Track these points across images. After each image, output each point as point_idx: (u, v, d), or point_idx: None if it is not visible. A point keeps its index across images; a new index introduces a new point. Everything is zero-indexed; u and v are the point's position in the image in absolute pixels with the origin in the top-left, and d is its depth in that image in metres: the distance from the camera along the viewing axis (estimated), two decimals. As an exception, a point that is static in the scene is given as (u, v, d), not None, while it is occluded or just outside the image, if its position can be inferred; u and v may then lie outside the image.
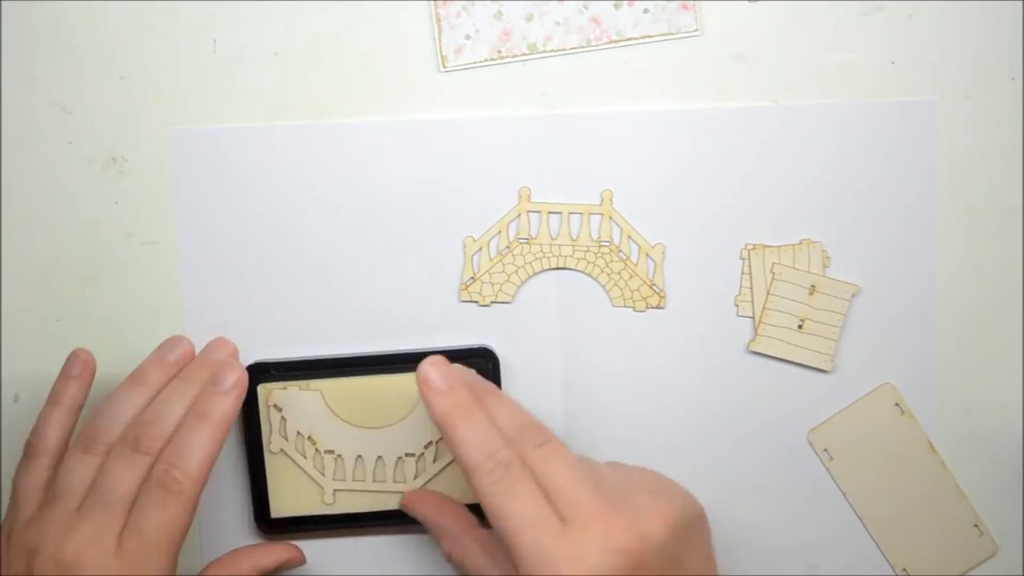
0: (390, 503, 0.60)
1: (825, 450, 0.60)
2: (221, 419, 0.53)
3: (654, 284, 0.60)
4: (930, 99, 0.59)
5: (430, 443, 0.59)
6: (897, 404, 0.60)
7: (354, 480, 0.59)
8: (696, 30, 0.59)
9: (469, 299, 0.60)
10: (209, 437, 0.53)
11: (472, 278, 0.60)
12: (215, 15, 0.59)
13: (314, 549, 0.60)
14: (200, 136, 0.59)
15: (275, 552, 0.59)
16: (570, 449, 0.52)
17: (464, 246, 0.60)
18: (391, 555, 0.61)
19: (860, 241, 0.60)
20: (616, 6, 0.59)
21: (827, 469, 0.61)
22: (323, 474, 0.59)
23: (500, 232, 0.60)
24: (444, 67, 0.59)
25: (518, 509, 0.49)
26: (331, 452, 0.59)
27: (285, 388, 0.59)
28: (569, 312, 0.60)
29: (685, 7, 0.59)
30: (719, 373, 0.60)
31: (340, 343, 0.60)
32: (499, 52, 0.59)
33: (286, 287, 0.60)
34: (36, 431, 0.55)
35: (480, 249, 0.60)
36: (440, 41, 0.59)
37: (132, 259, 0.60)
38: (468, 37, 0.59)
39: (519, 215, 0.60)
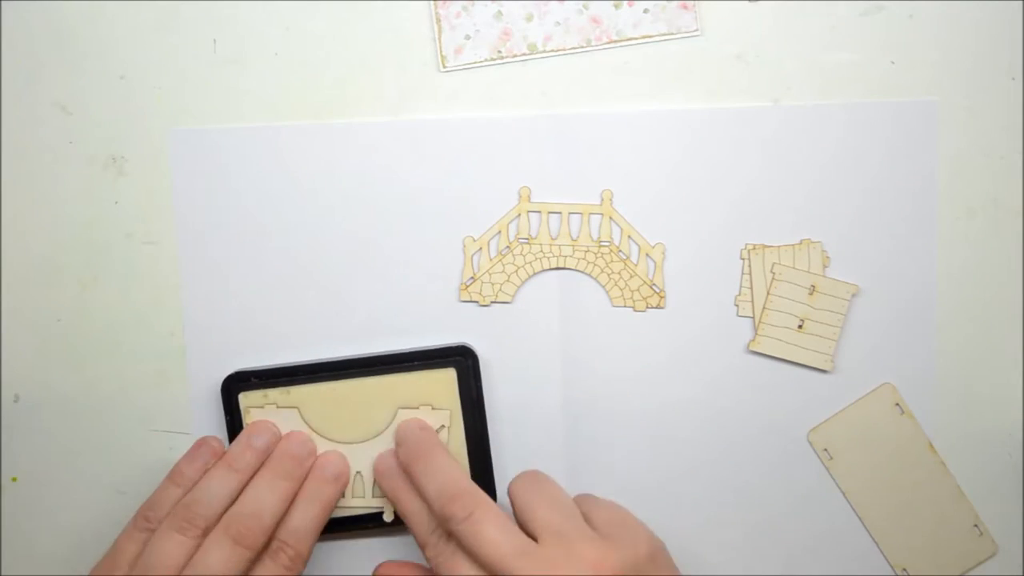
0: (374, 507, 0.59)
1: (825, 450, 0.61)
2: (328, 505, 0.57)
3: (654, 284, 0.60)
4: (930, 99, 0.59)
5: None
6: (897, 404, 0.60)
7: None
8: (696, 30, 0.59)
9: (469, 299, 0.60)
10: (318, 523, 0.57)
11: (472, 278, 0.60)
12: (215, 15, 0.59)
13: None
14: (200, 136, 0.59)
15: None
16: (497, 512, 0.53)
17: (464, 246, 0.60)
18: (378, 557, 0.61)
19: (860, 241, 0.60)
20: (616, 6, 0.59)
21: (827, 469, 0.61)
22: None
23: (500, 232, 0.60)
24: (444, 67, 0.59)
25: None
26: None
27: (263, 407, 0.59)
28: (569, 312, 0.60)
29: (685, 7, 0.59)
30: (719, 373, 0.60)
31: (340, 343, 0.60)
32: (499, 52, 0.59)
33: (285, 287, 0.60)
34: (152, 503, 0.57)
35: (480, 249, 0.60)
36: (440, 41, 0.59)
37: (132, 259, 0.60)
38: (468, 37, 0.59)
39: (519, 215, 0.60)
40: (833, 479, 0.61)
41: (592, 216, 0.60)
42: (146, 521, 0.56)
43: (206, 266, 0.60)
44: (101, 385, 0.60)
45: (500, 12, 0.59)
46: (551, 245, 0.60)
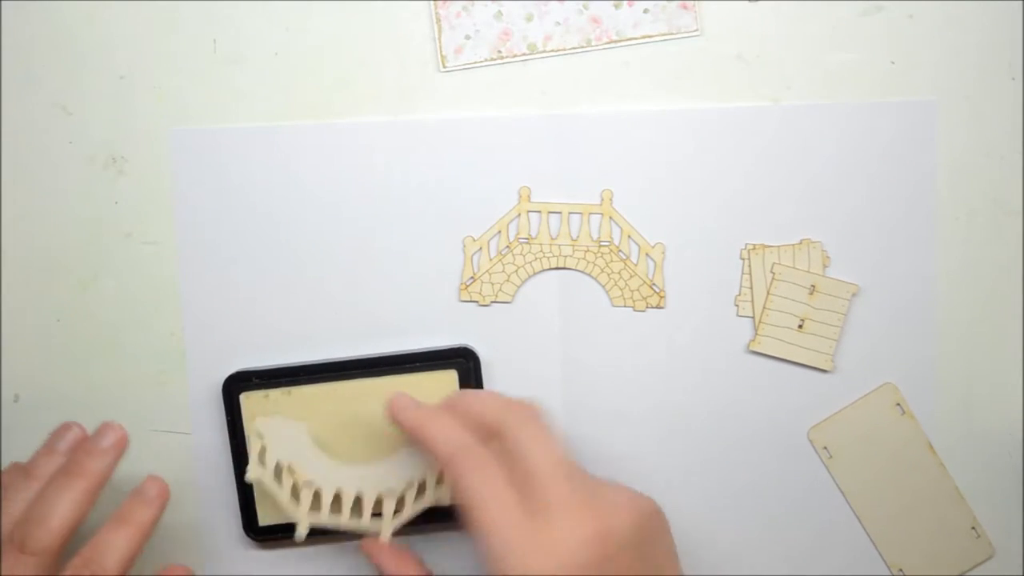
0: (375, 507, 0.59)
1: (825, 448, 0.61)
2: (141, 524, 0.54)
3: (654, 284, 0.60)
4: (930, 99, 0.59)
5: (412, 484, 0.57)
6: (898, 404, 0.60)
7: (330, 515, 0.57)
8: (696, 30, 0.59)
9: (469, 299, 0.60)
10: (128, 542, 0.53)
11: (472, 278, 0.60)
12: (215, 15, 0.59)
13: (305, 551, 0.61)
14: (200, 136, 0.59)
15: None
16: (554, 435, 0.52)
17: (464, 246, 0.60)
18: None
19: (860, 241, 0.60)
20: (616, 6, 0.59)
21: (826, 467, 0.61)
22: (299, 506, 0.57)
23: (500, 232, 0.60)
24: (444, 67, 0.59)
25: (488, 500, 0.50)
26: (309, 484, 0.57)
27: (269, 418, 0.58)
28: (569, 312, 0.60)
29: (685, 7, 0.59)
30: (719, 373, 0.60)
31: (340, 343, 0.60)
32: (499, 52, 0.59)
33: (285, 287, 0.60)
34: None
35: (480, 249, 0.60)
36: (440, 41, 0.59)
37: (132, 259, 0.60)
38: (468, 37, 0.59)
39: (519, 215, 0.60)
40: (832, 478, 0.61)
41: (592, 216, 0.60)
42: None
43: (206, 266, 0.60)
44: (101, 385, 0.60)
45: (500, 12, 0.59)
46: (551, 245, 0.60)
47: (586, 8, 0.59)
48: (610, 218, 0.60)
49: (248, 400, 0.59)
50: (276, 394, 0.59)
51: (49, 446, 0.57)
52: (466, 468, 0.51)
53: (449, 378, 0.59)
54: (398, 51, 0.59)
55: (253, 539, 0.60)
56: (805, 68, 0.59)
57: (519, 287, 0.60)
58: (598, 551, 0.49)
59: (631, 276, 0.60)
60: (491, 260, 0.60)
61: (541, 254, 0.60)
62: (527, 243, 0.60)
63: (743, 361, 0.60)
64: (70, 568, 0.52)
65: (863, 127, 0.59)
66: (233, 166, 0.59)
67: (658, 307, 0.60)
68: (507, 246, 0.60)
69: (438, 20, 0.59)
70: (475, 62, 0.59)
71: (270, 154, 0.59)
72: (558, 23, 0.59)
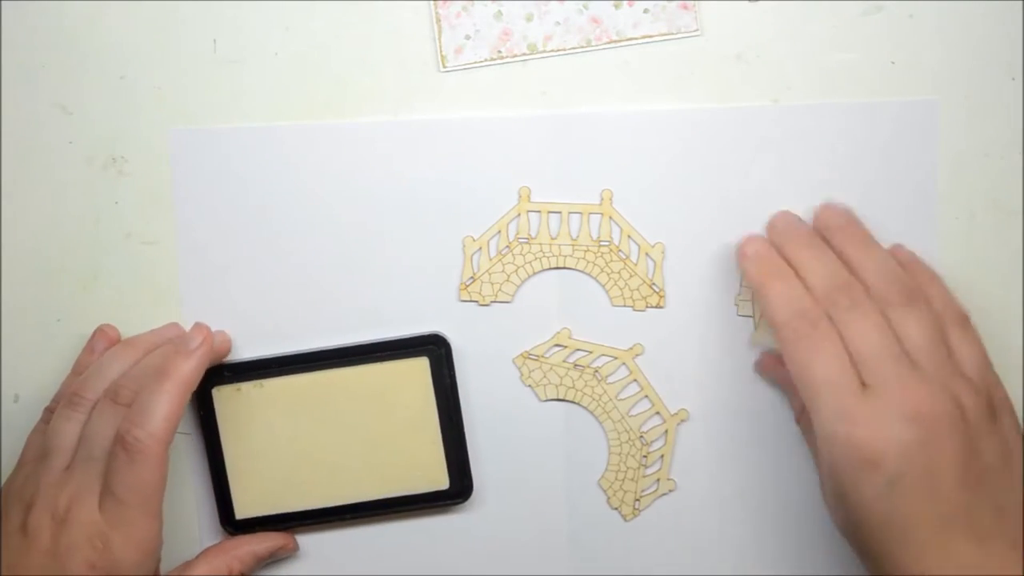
0: (350, 497, 0.60)
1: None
2: (181, 378, 0.54)
3: (654, 283, 0.60)
4: (930, 99, 0.59)
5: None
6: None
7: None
8: (696, 30, 0.59)
9: (469, 299, 0.60)
10: (168, 396, 0.53)
11: (472, 278, 0.60)
12: (215, 15, 0.59)
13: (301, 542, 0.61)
14: (200, 136, 0.59)
15: (269, 540, 0.59)
16: (878, 312, 0.53)
17: (464, 246, 0.60)
18: (368, 545, 0.61)
19: (860, 241, 0.60)
20: (616, 6, 0.59)
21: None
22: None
23: (500, 232, 0.60)
24: (444, 67, 0.59)
25: (821, 368, 0.52)
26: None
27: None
28: (569, 312, 0.60)
29: (685, 7, 0.59)
30: (719, 372, 0.60)
31: (339, 342, 0.60)
32: (499, 52, 0.59)
33: (285, 287, 0.60)
34: (55, 398, 0.58)
35: (480, 249, 0.60)
36: (440, 41, 0.59)
37: (132, 259, 0.60)
38: (468, 37, 0.59)
39: (519, 215, 0.60)
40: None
41: (592, 216, 0.60)
42: (49, 413, 0.57)
43: (206, 266, 0.60)
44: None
45: (500, 12, 0.59)
46: (551, 245, 0.60)
47: (586, 8, 0.59)
48: (610, 218, 0.60)
49: (220, 394, 0.59)
50: (248, 387, 0.59)
51: (155, 331, 0.59)
52: (798, 339, 0.52)
53: (421, 365, 0.59)
54: (398, 51, 0.59)
55: (231, 533, 0.60)
56: (805, 68, 0.59)
57: (519, 287, 0.60)
58: (924, 428, 0.50)
59: (631, 276, 0.60)
60: (491, 260, 0.60)
61: (541, 254, 0.60)
62: (527, 243, 0.60)
63: (743, 360, 0.60)
64: (117, 436, 0.53)
65: (863, 127, 0.59)
66: (233, 166, 0.59)
67: (658, 307, 0.60)
68: (507, 246, 0.60)
69: (438, 20, 0.59)
70: (475, 62, 0.59)
71: (270, 154, 0.59)
72: (558, 23, 0.59)
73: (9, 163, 0.59)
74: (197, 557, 0.59)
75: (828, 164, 0.59)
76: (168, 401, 0.53)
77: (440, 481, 0.59)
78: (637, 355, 0.60)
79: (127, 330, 0.60)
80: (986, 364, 0.54)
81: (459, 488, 0.59)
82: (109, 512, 0.53)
